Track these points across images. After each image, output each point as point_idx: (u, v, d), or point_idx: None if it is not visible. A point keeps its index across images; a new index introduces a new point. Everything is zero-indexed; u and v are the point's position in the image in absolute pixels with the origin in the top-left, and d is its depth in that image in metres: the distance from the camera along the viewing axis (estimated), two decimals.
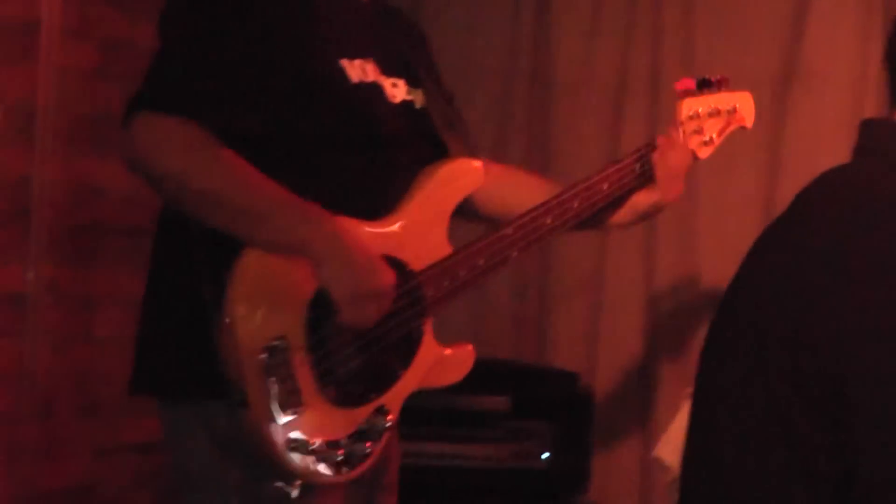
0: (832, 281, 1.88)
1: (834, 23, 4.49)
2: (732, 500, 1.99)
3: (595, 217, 2.92)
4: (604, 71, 4.76)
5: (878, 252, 1.89)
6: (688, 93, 3.01)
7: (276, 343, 2.49)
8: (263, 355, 2.48)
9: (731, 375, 2.01)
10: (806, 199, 2.07)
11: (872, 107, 4.34)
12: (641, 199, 2.96)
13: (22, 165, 3.84)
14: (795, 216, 2.08)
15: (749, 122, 3.11)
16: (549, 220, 2.84)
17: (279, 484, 2.53)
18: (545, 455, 3.93)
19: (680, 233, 4.63)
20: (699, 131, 3.00)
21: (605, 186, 2.88)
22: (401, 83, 2.80)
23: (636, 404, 4.62)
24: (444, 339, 2.78)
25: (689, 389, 3.83)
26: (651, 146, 2.94)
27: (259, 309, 2.51)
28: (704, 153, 3.01)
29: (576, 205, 2.87)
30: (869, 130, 2.11)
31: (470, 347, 2.81)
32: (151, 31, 2.67)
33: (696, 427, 2.10)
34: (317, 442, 2.54)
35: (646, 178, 2.93)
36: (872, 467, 1.84)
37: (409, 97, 2.81)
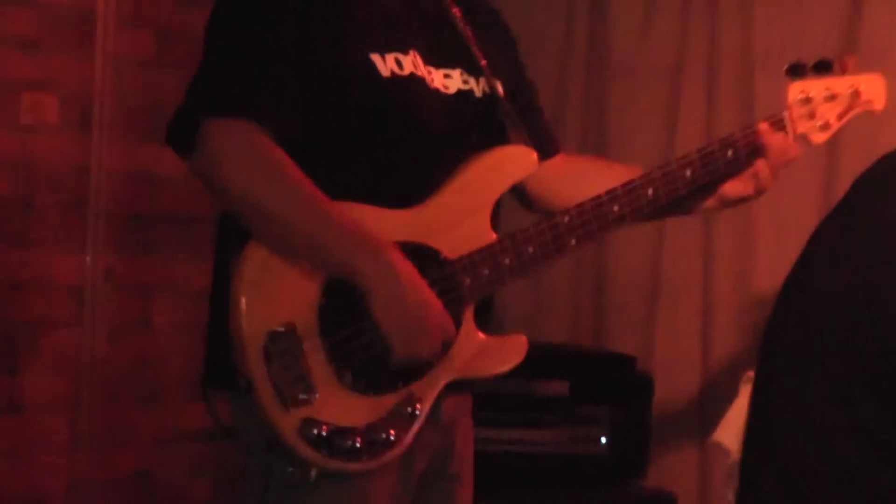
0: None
1: (893, 1, 4.40)
2: (795, 484, 1.96)
3: (679, 204, 2.88)
4: (660, 54, 4.73)
5: None
6: (798, 75, 2.94)
7: (280, 329, 2.50)
8: (266, 341, 2.48)
9: (794, 358, 1.99)
10: (870, 178, 2.04)
11: None
12: (730, 190, 2.89)
13: (79, 155, 3.88)
14: (859, 197, 2.04)
15: (879, 105, 2.98)
16: (615, 209, 2.79)
17: (292, 469, 2.54)
18: (603, 439, 3.92)
19: (738, 216, 4.47)
20: (811, 115, 2.93)
21: (688, 174, 2.83)
22: (455, 74, 2.79)
23: (694, 387, 4.58)
24: (500, 326, 2.74)
25: (749, 373, 3.80)
26: (750, 132, 2.85)
27: (263, 296, 2.52)
28: (819, 138, 2.94)
29: (650, 193, 2.82)
30: None
31: (523, 338, 2.75)
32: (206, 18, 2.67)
33: (756, 411, 2.07)
34: (329, 428, 2.54)
35: (738, 165, 2.86)
36: None
37: (466, 87, 2.79)
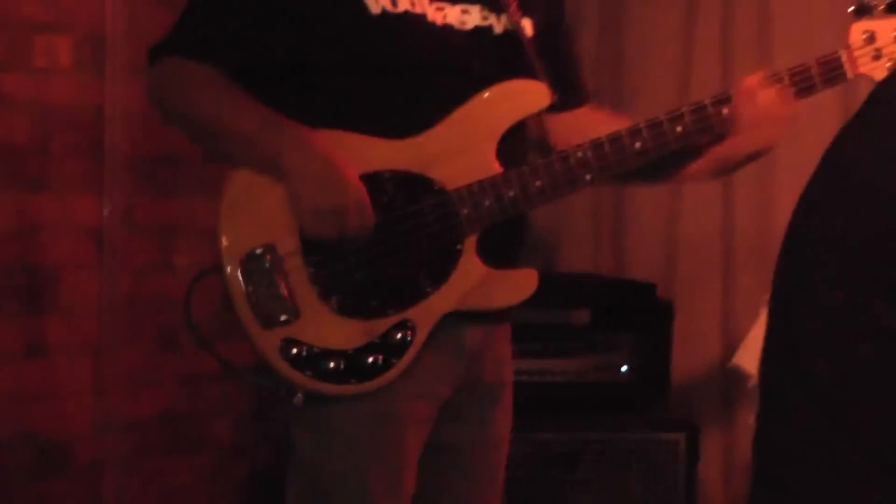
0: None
1: None
2: (815, 401, 1.94)
3: (673, 163, 2.85)
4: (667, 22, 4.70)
5: None
6: (865, 14, 2.89)
7: (258, 251, 2.56)
8: (244, 260, 2.55)
9: (811, 273, 1.97)
10: (882, 87, 2.04)
11: None
12: (720, 149, 2.86)
13: (94, 96, 3.89)
14: (870, 106, 2.01)
15: None
16: (637, 145, 2.77)
17: (282, 393, 2.58)
18: (625, 367, 3.93)
19: (761, 163, 4.56)
20: (877, 56, 2.88)
21: (686, 127, 2.78)
22: (474, 9, 2.77)
23: (715, 313, 4.62)
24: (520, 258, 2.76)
25: (768, 296, 3.82)
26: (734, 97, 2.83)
27: (243, 219, 2.58)
28: (878, 76, 2.90)
29: (678, 129, 2.79)
30: None
31: (533, 272, 2.75)
32: None
33: (773, 329, 2.05)
34: (313, 349, 2.57)
35: (724, 127, 2.82)
36: None
37: (485, 23, 2.77)
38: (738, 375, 4.14)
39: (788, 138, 4.55)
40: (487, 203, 2.67)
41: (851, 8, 2.87)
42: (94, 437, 3.91)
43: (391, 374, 2.62)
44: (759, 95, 2.82)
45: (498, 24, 2.79)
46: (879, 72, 2.88)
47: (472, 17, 2.76)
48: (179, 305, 4.01)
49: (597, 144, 2.73)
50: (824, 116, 4.33)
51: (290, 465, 2.74)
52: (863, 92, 4.32)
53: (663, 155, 2.79)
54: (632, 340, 3.97)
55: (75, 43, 3.85)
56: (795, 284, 2.01)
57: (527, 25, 2.83)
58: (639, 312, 4.07)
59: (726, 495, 4.52)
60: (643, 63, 4.54)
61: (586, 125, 2.88)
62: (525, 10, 2.82)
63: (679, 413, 4.12)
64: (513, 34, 2.81)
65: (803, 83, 2.86)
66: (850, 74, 2.86)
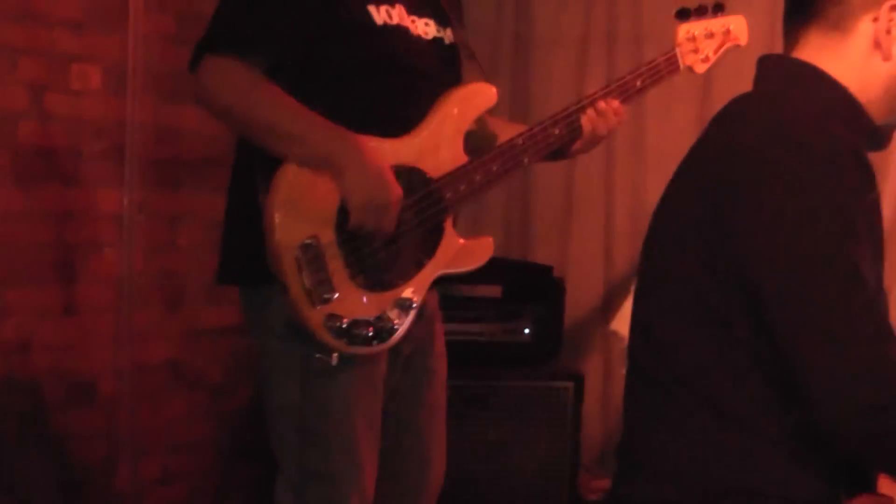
0: (728, 195, 1.87)
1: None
2: (664, 357, 1.99)
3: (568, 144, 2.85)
4: (570, 28, 4.62)
5: (773, 158, 1.86)
6: (685, 18, 2.95)
7: (308, 241, 2.49)
8: (297, 252, 2.48)
9: (666, 256, 2.02)
10: (722, 118, 2.05)
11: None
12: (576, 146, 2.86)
13: (117, 112, 3.79)
14: (711, 129, 2.05)
15: (743, 41, 3.01)
16: (556, 131, 2.79)
17: (319, 356, 2.53)
18: (527, 331, 3.92)
19: (632, 148, 4.57)
20: (695, 50, 2.93)
21: (560, 131, 2.79)
22: (431, 23, 2.75)
23: (597, 289, 4.59)
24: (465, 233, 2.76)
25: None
26: (588, 104, 2.83)
27: (293, 214, 2.50)
28: (701, 69, 2.96)
29: (581, 119, 2.80)
30: (765, 63, 2.10)
31: (489, 239, 2.78)
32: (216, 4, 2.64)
33: (637, 302, 2.11)
34: (348, 321, 2.53)
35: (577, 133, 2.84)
36: (773, 317, 1.83)
37: (439, 34, 2.76)
38: (614, 337, 4.16)
39: (656, 141, 4.53)
40: (462, 187, 2.67)
41: (674, 12, 2.93)
42: (113, 377, 3.86)
43: (401, 333, 2.63)
44: (606, 103, 2.82)
45: (446, 36, 2.79)
46: (697, 63, 2.93)
47: (431, 29, 2.75)
48: (182, 276, 4.05)
49: (530, 135, 2.74)
50: (681, 123, 4.43)
51: (270, 411, 2.70)
52: (715, 111, 4.25)
53: (567, 137, 2.79)
54: (533, 310, 3.94)
55: (103, 70, 3.78)
56: (653, 266, 2.06)
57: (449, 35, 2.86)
58: (539, 288, 4.06)
59: (604, 430, 4.45)
60: (545, 103, 4.47)
61: (502, 123, 2.92)
62: (447, 23, 2.81)
63: (568, 366, 4.10)
64: (454, 44, 2.81)
65: (639, 85, 2.88)
66: (681, 66, 2.90)
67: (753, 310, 1.85)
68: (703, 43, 2.92)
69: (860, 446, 1.84)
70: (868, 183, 1.88)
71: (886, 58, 1.98)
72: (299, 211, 2.50)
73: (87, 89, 3.75)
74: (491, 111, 2.83)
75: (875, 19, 1.96)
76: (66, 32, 3.67)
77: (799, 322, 1.80)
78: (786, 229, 1.82)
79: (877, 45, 1.97)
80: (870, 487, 2.01)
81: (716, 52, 2.94)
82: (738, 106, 2.04)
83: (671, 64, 2.89)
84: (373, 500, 2.75)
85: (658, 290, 2.03)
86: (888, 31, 1.96)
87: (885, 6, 1.95)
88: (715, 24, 2.94)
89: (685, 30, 2.90)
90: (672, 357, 1.98)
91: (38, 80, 3.61)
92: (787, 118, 1.94)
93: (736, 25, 2.97)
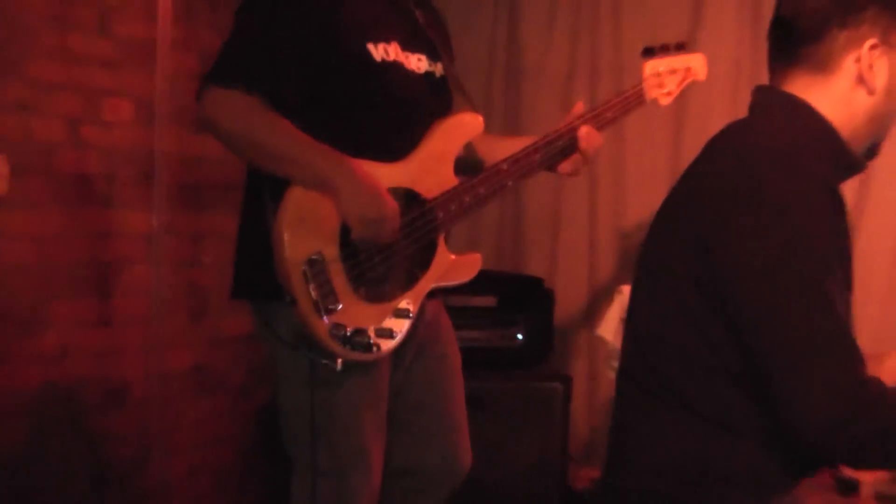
0: (728, 228, 1.88)
1: (720, 22, 4.35)
2: (652, 364, 2.01)
3: (553, 165, 2.86)
4: (557, 61, 4.61)
5: (759, 185, 1.87)
6: (650, 56, 2.97)
7: (314, 257, 2.48)
8: (304, 267, 2.46)
9: (658, 273, 2.03)
10: (714, 144, 2.06)
11: (745, 85, 4.21)
12: (564, 165, 2.88)
13: (146, 142, 3.75)
14: (707, 156, 2.06)
15: (702, 76, 3.02)
16: (537, 157, 2.79)
17: (325, 361, 2.52)
18: (520, 336, 3.92)
19: (612, 177, 4.54)
20: (660, 85, 2.94)
21: (541, 156, 2.82)
22: (423, 58, 2.74)
23: (583, 298, 4.57)
24: (457, 250, 2.76)
25: (621, 287, 3.88)
26: (569, 131, 2.85)
27: (300, 232, 2.49)
28: (665, 101, 2.96)
29: (559, 144, 2.81)
30: (758, 94, 2.10)
31: (477, 256, 2.78)
32: None
33: (630, 314, 2.13)
34: (351, 329, 2.52)
35: (572, 150, 2.85)
36: (747, 327, 1.84)
37: (430, 69, 2.76)
38: (599, 342, 4.09)
39: (635, 166, 4.49)
40: (453, 207, 2.67)
41: (641, 51, 2.96)
42: (143, 382, 3.82)
43: (398, 339, 2.62)
44: (587, 129, 2.81)
45: (437, 70, 2.78)
46: (662, 97, 2.94)
47: (423, 64, 2.74)
48: (206, 289, 4.05)
49: (513, 160, 2.75)
50: (656, 149, 4.45)
51: (283, 413, 2.69)
52: (686, 140, 4.18)
53: (552, 160, 2.81)
54: (525, 318, 3.94)
55: (133, 103, 3.81)
56: (643, 283, 2.10)
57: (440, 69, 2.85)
58: (530, 298, 4.06)
59: (590, 426, 4.43)
60: (534, 131, 4.39)
61: (491, 143, 2.91)
62: (438, 58, 2.80)
63: (557, 368, 4.11)
64: (444, 77, 2.80)
65: (611, 116, 2.89)
66: (647, 99, 2.92)
67: (733, 327, 1.86)
68: (667, 78, 2.94)
69: (835, 454, 1.85)
70: (839, 213, 1.90)
71: (871, 92, 2.00)
72: (305, 229, 2.49)
73: (119, 121, 3.78)
74: (483, 135, 2.83)
75: (857, 59, 1.98)
76: (99, 70, 3.69)
77: (775, 346, 1.81)
78: (764, 258, 1.82)
79: (860, 80, 1.99)
80: (833, 466, 2.09)
81: (678, 86, 2.96)
82: (730, 134, 2.05)
83: (638, 97, 2.91)
84: (391, 495, 2.77)
85: (649, 304, 2.05)
86: (871, 67, 1.98)
87: (866, 45, 1.97)
88: (677, 61, 2.96)
89: (651, 66, 2.94)
90: (658, 364, 1.99)
91: (75, 112, 3.63)
92: (771, 151, 1.93)
93: (696, 63, 2.99)
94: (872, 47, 1.98)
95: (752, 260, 1.83)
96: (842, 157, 2.03)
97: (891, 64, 2.01)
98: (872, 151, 2.10)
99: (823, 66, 2.01)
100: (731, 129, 2.06)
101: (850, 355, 1.81)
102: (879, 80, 2.00)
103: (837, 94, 2.02)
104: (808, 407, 1.78)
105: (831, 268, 1.84)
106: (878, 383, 1.84)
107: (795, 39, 2.02)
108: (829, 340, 1.80)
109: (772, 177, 1.88)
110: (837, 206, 1.91)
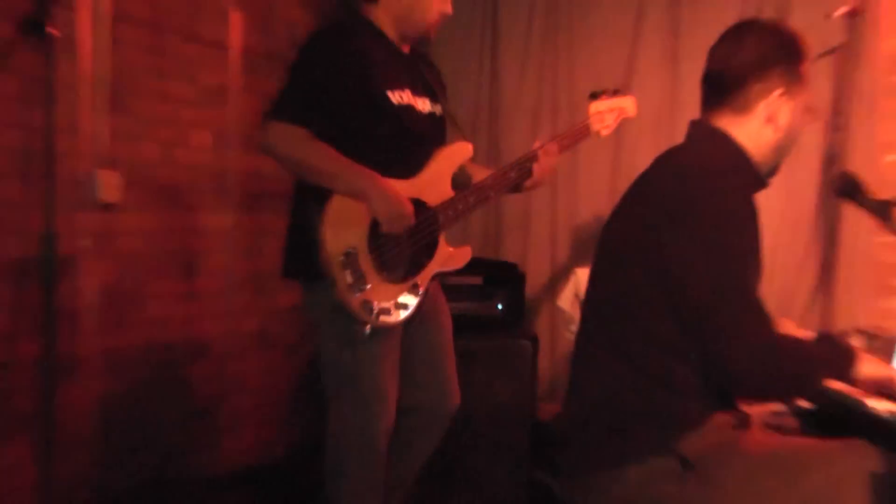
0: (673, 227, 1.89)
1: (646, 73, 4.30)
2: (605, 326, 2.02)
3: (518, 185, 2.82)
4: (527, 101, 4.54)
5: (687, 200, 1.89)
6: (595, 98, 2.93)
7: (349, 250, 2.48)
8: (342, 258, 2.47)
9: (613, 257, 2.03)
10: (660, 161, 2.07)
11: (665, 120, 4.19)
12: (529, 183, 2.83)
13: (221, 162, 3.85)
14: (655, 170, 2.05)
15: (633, 114, 2.97)
16: (512, 175, 2.75)
17: (357, 327, 2.54)
18: (500, 306, 3.85)
19: (569, 187, 4.46)
20: (601, 121, 2.90)
21: (514, 174, 2.78)
22: (427, 101, 2.72)
23: (547, 278, 4.52)
24: (453, 243, 2.74)
25: (576, 269, 3.80)
26: (535, 155, 2.79)
27: (338, 231, 2.48)
28: (606, 133, 2.92)
29: (529, 166, 2.77)
30: (693, 126, 2.09)
31: (468, 248, 2.77)
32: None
33: (589, 287, 2.11)
34: (377, 303, 2.53)
35: (529, 168, 2.80)
36: (687, 304, 1.86)
37: (432, 110, 2.73)
38: (558, 311, 4.11)
39: (584, 195, 4.37)
40: (450, 212, 2.66)
41: (588, 95, 2.93)
42: (221, 340, 3.87)
43: (411, 311, 2.62)
44: (547, 154, 2.79)
45: (437, 110, 2.74)
46: (603, 130, 2.90)
47: (427, 106, 2.70)
48: (266, 272, 3.91)
49: (496, 176, 2.73)
50: (598, 168, 4.35)
51: (323, 364, 2.65)
52: (624, 161, 4.11)
53: (520, 178, 2.77)
54: (503, 293, 3.85)
55: (212, 134, 3.80)
56: (600, 265, 2.10)
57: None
58: (507, 278, 3.95)
59: (552, 373, 4.37)
60: (512, 157, 3.95)
61: (476, 166, 2.86)
62: (437, 100, 2.77)
63: (528, 330, 3.91)
64: (442, 116, 2.77)
65: (566, 144, 2.84)
66: (592, 132, 2.88)
67: (670, 299, 1.88)
68: (607, 115, 2.92)
69: (754, 392, 1.89)
70: (753, 216, 1.91)
71: (776, 129, 2.02)
72: (342, 229, 2.48)
73: (201, 146, 3.79)
74: (472, 159, 2.80)
75: (767, 104, 2.01)
76: (187, 108, 3.72)
77: (711, 311, 1.82)
78: (700, 249, 1.84)
79: (769, 120, 2.02)
80: (734, 406, 2.04)
81: (615, 121, 2.96)
82: (672, 154, 2.05)
83: (585, 130, 2.92)
84: (399, 427, 2.73)
85: (605, 281, 2.05)
86: (777, 111, 2.01)
87: (774, 94, 2.01)
88: (614, 102, 2.95)
89: (595, 106, 2.92)
90: (610, 327, 2.00)
91: (169, 140, 3.65)
92: (703, 168, 1.94)
93: (628, 104, 2.98)
94: (780, 95, 2.01)
95: (692, 250, 1.84)
96: (753, 176, 2.04)
97: (791, 108, 2.03)
98: (773, 171, 2.11)
99: (742, 108, 2.02)
100: (673, 151, 2.06)
101: (764, 317, 1.84)
102: (783, 120, 2.02)
103: (752, 129, 2.02)
104: (736, 352, 1.80)
105: (750, 254, 1.87)
106: (783, 336, 1.88)
107: (722, 88, 2.03)
108: (750, 306, 1.82)
109: (704, 187, 1.88)
110: (752, 211, 1.91)
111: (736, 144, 2.03)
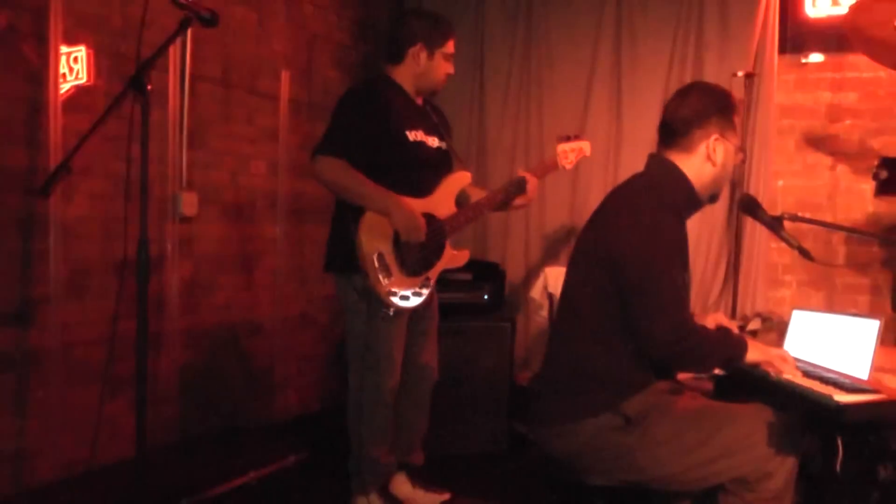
0: (619, 229, 1.91)
1: (597, 120, 4.11)
2: (574, 311, 2.00)
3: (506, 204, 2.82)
4: (506, 139, 4.41)
5: (637, 219, 1.90)
6: (561, 140, 2.91)
7: (379, 252, 2.50)
8: (374, 258, 2.50)
9: (581, 259, 2.02)
10: (622, 186, 2.07)
11: (612, 159, 4.09)
12: (519, 200, 2.85)
13: (273, 185, 3.83)
14: (616, 193, 2.05)
15: (588, 153, 2.97)
16: (500, 196, 2.75)
17: (383, 309, 2.55)
18: (486, 296, 3.77)
19: (540, 206, 4.30)
20: (566, 158, 2.88)
21: (501, 196, 2.78)
22: (436, 139, 2.69)
23: (522, 275, 4.35)
24: (454, 247, 2.72)
25: (545, 268, 3.79)
26: (523, 180, 2.80)
27: (371, 238, 2.49)
28: (569, 167, 2.91)
29: (512, 190, 2.77)
30: (651, 159, 2.07)
31: (467, 251, 2.75)
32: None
33: (565, 282, 2.08)
34: (398, 292, 2.54)
35: (522, 190, 2.83)
36: (632, 300, 1.86)
37: (440, 145, 2.71)
38: (531, 300, 4.03)
39: (550, 210, 4.28)
40: (455, 224, 2.66)
41: (556, 138, 2.90)
42: (271, 322, 3.84)
43: (425, 298, 2.62)
44: (532, 181, 2.79)
45: (443, 145, 2.71)
46: (567, 165, 2.89)
47: (435, 142, 2.68)
48: (308, 268, 3.87)
49: (488, 197, 2.75)
50: (559, 193, 4.24)
51: (348, 336, 2.67)
52: (582, 186, 4.08)
53: (509, 199, 2.77)
54: (489, 286, 3.76)
55: (266, 164, 3.78)
56: (573, 265, 2.08)
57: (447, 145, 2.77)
58: (491, 275, 3.87)
59: (525, 348, 4.20)
60: (494, 179, 4.20)
61: (474, 189, 2.83)
62: (443, 137, 2.74)
63: (507, 315, 3.82)
64: (448, 150, 2.75)
65: (543, 173, 2.87)
66: (559, 166, 2.88)
67: (619, 291, 1.89)
68: (569, 154, 2.94)
69: (669, 360, 1.92)
70: (682, 229, 1.95)
71: (714, 165, 2.02)
72: (373, 236, 2.51)
73: (258, 174, 3.78)
74: (470, 183, 2.82)
75: (707, 146, 2.01)
76: (247, 144, 3.72)
77: (644, 299, 1.84)
78: (641, 252, 1.85)
79: (708, 158, 2.02)
80: (671, 376, 2.01)
81: (576, 158, 2.97)
82: (631, 181, 2.04)
83: (554, 164, 2.94)
84: (398, 387, 2.70)
85: (576, 277, 2.04)
86: (714, 150, 2.02)
87: (712, 138, 2.01)
88: (575, 144, 2.97)
89: (561, 147, 2.95)
90: (579, 311, 1.99)
91: (234, 168, 3.62)
92: (651, 192, 1.94)
93: (586, 146, 3.00)
94: (716, 139, 2.02)
95: (635, 253, 1.86)
96: (693, 200, 2.04)
97: (725, 149, 2.02)
98: (714, 198, 2.10)
99: (687, 148, 2.02)
100: (632, 178, 2.05)
101: (684, 307, 1.87)
102: (719, 158, 2.01)
103: (695, 165, 2.01)
104: (658, 332, 1.82)
105: (677, 258, 1.89)
106: (696, 323, 1.90)
107: (673, 133, 2.03)
108: (673, 298, 1.84)
109: (647, 200, 1.91)
110: (681, 225, 1.96)
111: (682, 173, 2.02)
